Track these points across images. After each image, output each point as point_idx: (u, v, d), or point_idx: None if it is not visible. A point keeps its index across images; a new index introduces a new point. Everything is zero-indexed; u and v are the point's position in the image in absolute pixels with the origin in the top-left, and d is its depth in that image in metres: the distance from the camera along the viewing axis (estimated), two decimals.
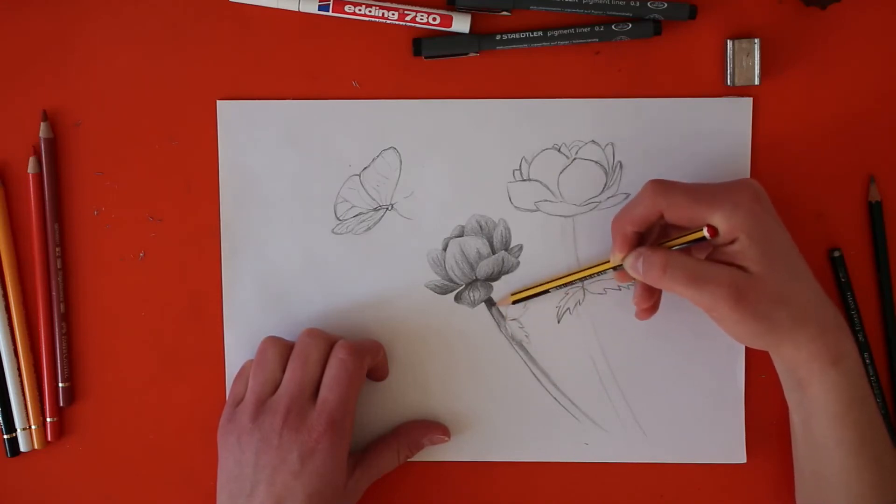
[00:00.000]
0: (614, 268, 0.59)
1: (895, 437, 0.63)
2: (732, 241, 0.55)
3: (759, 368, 0.63)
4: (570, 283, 0.62)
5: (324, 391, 0.58)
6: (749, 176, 0.62)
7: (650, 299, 0.60)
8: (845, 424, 0.56)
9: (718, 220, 0.55)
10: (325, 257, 0.63)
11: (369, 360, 0.60)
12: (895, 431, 0.64)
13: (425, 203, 0.63)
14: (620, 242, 0.58)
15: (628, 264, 0.58)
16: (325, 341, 0.60)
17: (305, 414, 0.58)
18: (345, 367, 0.58)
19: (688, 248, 0.58)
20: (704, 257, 0.58)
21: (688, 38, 0.62)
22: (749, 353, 0.63)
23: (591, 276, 0.61)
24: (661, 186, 0.56)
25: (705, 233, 0.55)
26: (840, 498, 0.56)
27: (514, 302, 0.62)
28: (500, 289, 0.63)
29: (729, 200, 0.55)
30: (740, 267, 0.55)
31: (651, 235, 0.59)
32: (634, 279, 0.59)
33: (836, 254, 0.63)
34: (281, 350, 0.60)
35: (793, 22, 0.62)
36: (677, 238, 0.57)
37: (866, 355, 0.63)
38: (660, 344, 0.63)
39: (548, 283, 0.62)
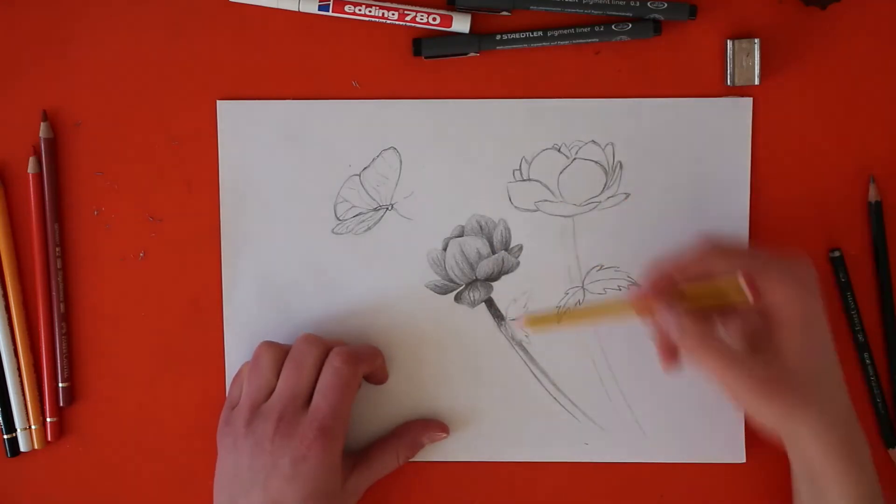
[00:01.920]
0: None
1: (895, 437, 0.63)
2: (777, 321, 0.54)
3: None
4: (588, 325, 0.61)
5: (317, 398, 0.58)
6: (749, 175, 0.62)
7: (676, 353, 0.58)
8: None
9: (775, 297, 0.53)
10: (325, 257, 0.63)
11: (365, 366, 0.60)
12: (895, 432, 0.64)
13: (425, 203, 0.63)
14: (659, 294, 0.56)
15: (661, 316, 0.55)
16: (321, 347, 0.60)
17: (298, 420, 0.58)
18: (339, 374, 0.59)
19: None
20: (730, 336, 0.56)
21: (688, 38, 0.62)
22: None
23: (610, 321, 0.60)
24: (722, 251, 0.55)
25: (750, 299, 0.53)
26: None
27: (533, 328, 0.62)
28: (501, 289, 0.63)
29: (792, 278, 0.54)
30: (772, 348, 0.54)
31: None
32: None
33: (836, 254, 0.63)
34: (276, 355, 0.60)
35: (793, 22, 0.62)
36: (713, 298, 0.55)
37: (866, 355, 0.63)
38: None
39: (568, 319, 0.62)
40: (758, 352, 0.55)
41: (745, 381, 0.53)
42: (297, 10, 0.61)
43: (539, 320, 0.62)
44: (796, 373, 0.54)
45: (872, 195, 0.63)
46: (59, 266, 0.63)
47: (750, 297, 0.54)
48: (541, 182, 0.63)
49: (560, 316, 0.62)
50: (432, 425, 0.63)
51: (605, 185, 0.63)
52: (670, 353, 0.57)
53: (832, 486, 0.54)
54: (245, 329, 0.63)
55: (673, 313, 0.55)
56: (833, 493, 0.54)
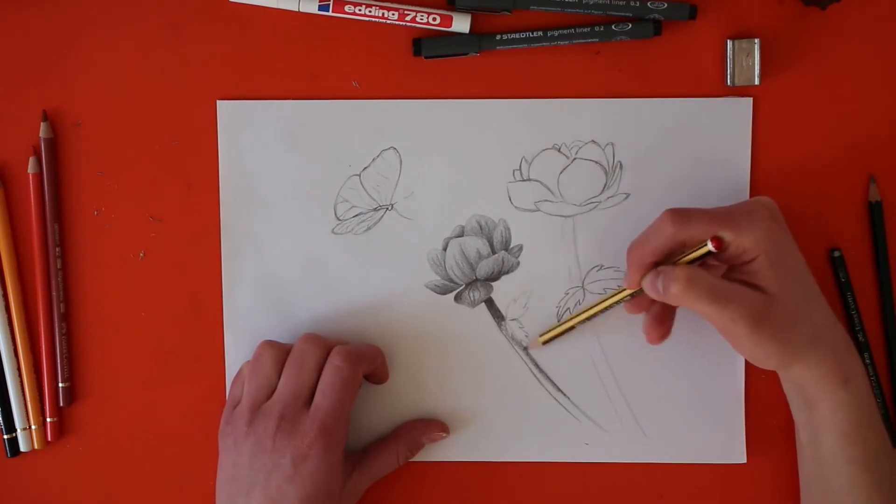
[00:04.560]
0: (632, 295, 0.59)
1: (895, 437, 0.63)
2: (751, 261, 0.56)
3: (759, 368, 0.63)
4: (593, 316, 0.61)
5: (318, 397, 0.58)
6: (749, 175, 0.62)
7: (662, 326, 0.60)
8: (854, 442, 0.56)
9: (738, 239, 0.55)
10: (326, 257, 0.63)
11: (366, 366, 0.60)
12: (895, 432, 0.64)
13: (425, 203, 0.63)
14: (638, 271, 0.58)
15: (647, 283, 0.57)
16: (322, 347, 0.60)
17: (299, 420, 0.58)
18: (340, 373, 0.59)
19: (704, 266, 0.58)
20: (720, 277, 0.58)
21: (688, 38, 0.62)
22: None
23: (610, 306, 0.61)
24: (679, 216, 0.56)
25: (710, 246, 0.55)
26: None
27: (545, 343, 0.62)
28: (501, 289, 0.63)
29: (747, 219, 0.55)
30: (757, 287, 0.55)
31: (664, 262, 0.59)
32: (642, 311, 0.60)
33: (836, 254, 0.63)
34: (277, 355, 0.60)
35: (793, 22, 0.62)
36: (683, 256, 0.57)
37: (866, 355, 0.63)
38: (660, 344, 0.63)
39: (572, 319, 0.62)
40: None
41: (737, 308, 0.55)
42: (297, 10, 0.61)
43: (547, 334, 0.62)
44: (779, 299, 0.55)
45: (873, 195, 0.63)
46: (59, 266, 0.63)
47: (711, 247, 0.55)
48: (541, 182, 0.63)
49: (563, 323, 0.62)
50: (432, 425, 0.63)
51: (605, 185, 0.63)
52: (659, 320, 0.59)
53: (825, 409, 0.56)
54: (245, 329, 0.63)
55: (653, 273, 0.57)
56: (826, 416, 0.56)
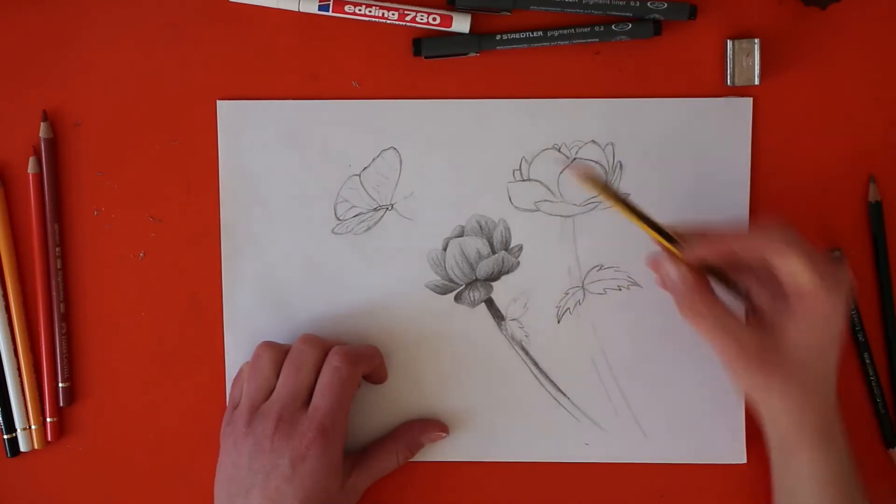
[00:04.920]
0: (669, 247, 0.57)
1: (895, 437, 0.63)
2: (799, 306, 0.55)
3: None
4: (641, 222, 0.57)
5: (316, 398, 0.58)
6: (749, 175, 0.62)
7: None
8: (832, 494, 0.56)
9: (809, 287, 0.54)
10: (325, 257, 0.63)
11: (364, 366, 0.60)
12: (895, 431, 0.64)
13: (425, 203, 0.63)
14: (711, 249, 0.56)
15: (671, 273, 0.57)
16: (321, 347, 0.60)
17: (297, 420, 0.58)
18: (338, 374, 0.59)
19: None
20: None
21: (688, 38, 0.62)
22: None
23: (659, 235, 0.57)
24: (793, 238, 0.55)
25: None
26: None
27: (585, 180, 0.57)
28: (501, 289, 0.63)
29: (832, 277, 0.54)
30: (776, 324, 0.55)
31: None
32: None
33: (837, 254, 0.63)
34: (275, 355, 0.60)
35: (793, 22, 0.62)
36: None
37: (866, 355, 0.63)
38: (660, 344, 0.63)
39: (623, 204, 0.57)
40: (759, 319, 0.57)
41: (735, 350, 0.55)
42: (297, 10, 0.61)
43: (591, 179, 0.57)
44: (788, 353, 0.55)
45: (872, 195, 0.63)
46: (59, 266, 0.63)
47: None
48: (541, 182, 0.63)
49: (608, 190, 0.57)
50: (432, 425, 0.63)
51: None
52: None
53: (802, 460, 0.56)
54: (245, 329, 0.63)
55: (676, 272, 0.57)
56: (803, 467, 0.56)
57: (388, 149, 0.63)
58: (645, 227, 0.57)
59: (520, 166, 0.63)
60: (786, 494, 0.58)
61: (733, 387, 0.58)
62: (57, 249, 0.63)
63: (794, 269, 0.54)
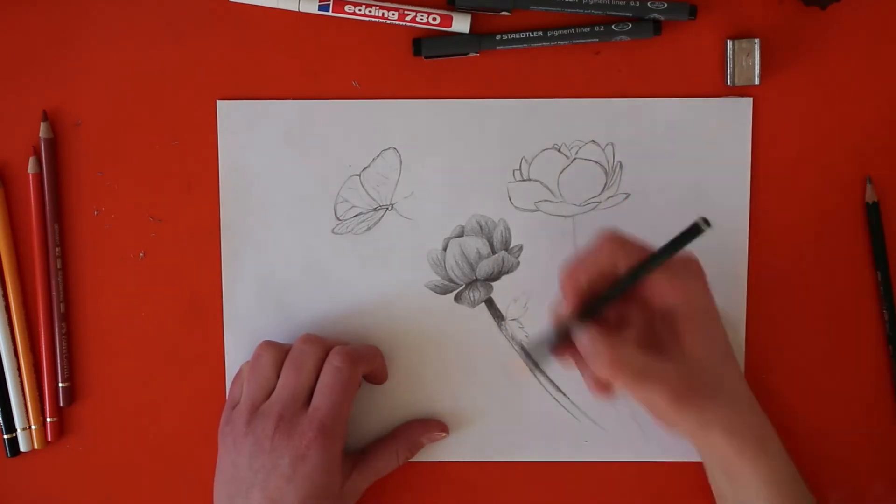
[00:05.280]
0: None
1: None
2: (672, 314, 0.54)
3: (758, 368, 0.64)
4: None
5: (317, 398, 0.58)
6: (749, 175, 0.62)
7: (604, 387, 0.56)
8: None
9: (672, 282, 0.54)
10: (325, 257, 0.63)
11: (365, 366, 0.60)
12: None
13: (425, 203, 0.63)
14: (572, 295, 0.55)
15: (581, 340, 0.54)
16: (321, 347, 0.60)
17: (297, 420, 0.58)
18: (339, 374, 0.59)
19: (625, 322, 0.56)
20: (634, 335, 0.55)
21: (688, 38, 0.62)
22: (749, 352, 0.63)
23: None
24: (618, 239, 0.55)
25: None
26: None
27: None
28: (501, 289, 0.63)
29: (684, 269, 0.54)
30: (675, 345, 0.54)
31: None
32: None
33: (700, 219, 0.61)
34: (276, 355, 0.60)
35: (793, 22, 0.62)
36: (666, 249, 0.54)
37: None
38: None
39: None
40: (664, 353, 0.55)
41: (659, 388, 0.53)
42: (297, 10, 0.61)
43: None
44: (699, 366, 0.54)
45: (869, 196, 0.63)
46: (59, 266, 0.63)
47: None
48: (541, 182, 0.63)
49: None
50: (432, 425, 0.63)
51: (605, 185, 0.63)
52: (597, 382, 0.56)
53: (749, 477, 0.55)
54: (245, 329, 0.63)
55: (589, 336, 0.54)
56: (751, 484, 0.55)
57: (388, 149, 0.63)
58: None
59: (520, 166, 0.63)
60: None
61: (673, 428, 0.55)
62: (57, 249, 0.63)
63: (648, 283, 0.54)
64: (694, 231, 0.52)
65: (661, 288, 0.54)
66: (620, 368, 0.53)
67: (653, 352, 0.54)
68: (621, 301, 0.55)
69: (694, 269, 0.55)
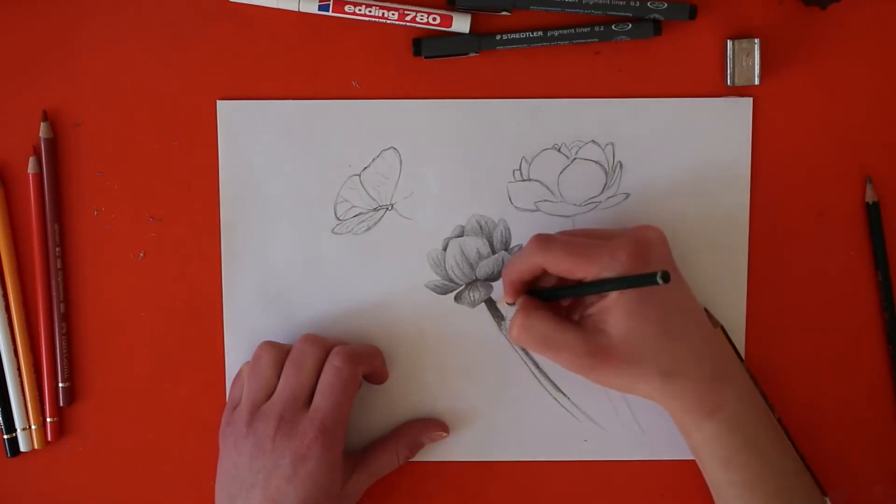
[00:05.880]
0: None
1: None
2: (604, 297, 0.56)
3: (758, 368, 0.64)
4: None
5: (317, 398, 0.58)
6: (749, 175, 0.62)
7: None
8: (733, 468, 0.57)
9: (593, 275, 0.55)
10: (325, 257, 0.63)
11: (365, 366, 0.60)
12: None
13: (425, 203, 0.63)
14: (509, 291, 0.59)
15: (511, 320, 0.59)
16: (322, 347, 0.60)
17: (298, 420, 0.58)
18: (339, 374, 0.59)
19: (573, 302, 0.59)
20: (578, 315, 0.58)
21: (688, 38, 0.62)
22: (749, 351, 0.63)
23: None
24: (541, 242, 0.57)
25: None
26: None
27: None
28: (500, 289, 0.63)
29: (608, 256, 0.55)
30: (603, 324, 0.56)
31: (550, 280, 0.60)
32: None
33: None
34: (276, 355, 0.60)
35: (793, 22, 0.62)
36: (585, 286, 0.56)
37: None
38: None
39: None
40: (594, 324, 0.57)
41: (567, 356, 0.56)
42: (297, 10, 0.61)
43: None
44: (622, 341, 0.55)
45: (869, 196, 0.63)
46: (59, 266, 0.63)
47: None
48: (541, 182, 0.63)
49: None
50: (432, 425, 0.63)
51: (605, 185, 0.63)
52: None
53: (690, 431, 0.58)
54: (245, 329, 0.63)
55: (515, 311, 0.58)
56: (693, 436, 0.58)
57: (388, 149, 0.63)
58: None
59: (520, 166, 0.63)
60: (700, 467, 0.60)
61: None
62: (57, 249, 0.63)
63: (569, 268, 0.56)
64: (649, 280, 0.50)
65: (585, 274, 0.56)
66: (528, 335, 0.57)
67: (585, 321, 0.57)
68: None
69: (631, 248, 0.55)
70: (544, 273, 0.58)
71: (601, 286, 0.55)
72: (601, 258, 0.55)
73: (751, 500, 0.57)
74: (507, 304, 0.61)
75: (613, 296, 0.55)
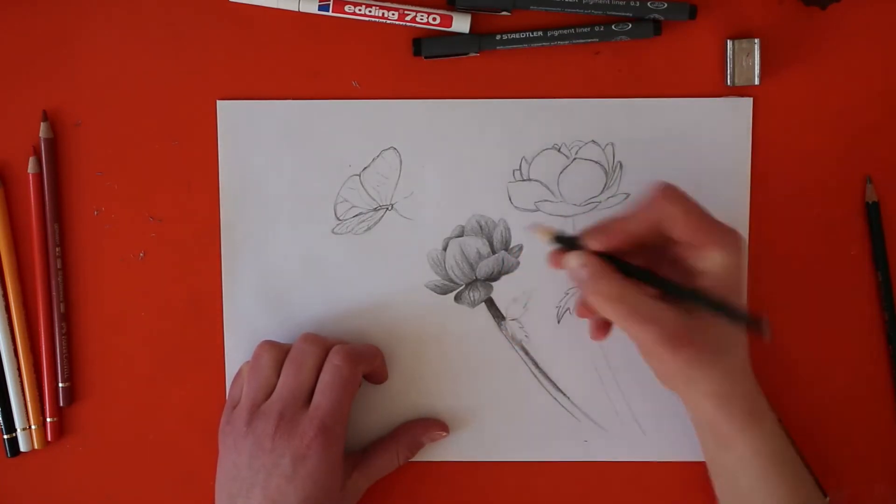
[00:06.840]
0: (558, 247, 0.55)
1: None
2: (700, 272, 0.54)
3: (757, 368, 0.63)
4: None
5: (317, 397, 0.58)
6: (749, 175, 0.62)
7: (602, 330, 0.60)
8: (773, 482, 0.56)
9: (714, 258, 0.54)
10: (325, 257, 0.63)
11: (365, 365, 0.60)
12: None
13: (425, 203, 0.63)
14: (606, 241, 0.54)
15: (569, 268, 0.55)
16: (321, 347, 0.60)
17: (298, 420, 0.58)
18: (339, 373, 0.59)
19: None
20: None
21: (688, 38, 0.62)
22: (749, 351, 0.63)
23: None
24: (671, 193, 0.54)
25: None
26: None
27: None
28: (501, 289, 0.63)
29: (731, 243, 0.54)
30: (692, 312, 0.54)
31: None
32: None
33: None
34: (276, 355, 0.60)
35: (793, 22, 0.62)
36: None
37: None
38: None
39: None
40: (673, 302, 0.54)
41: (650, 328, 0.53)
42: (297, 10, 0.61)
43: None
44: (711, 325, 0.54)
45: (869, 196, 0.63)
46: (59, 266, 0.63)
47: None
48: (541, 182, 0.63)
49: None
50: (432, 425, 0.63)
51: (605, 185, 0.63)
52: (599, 326, 0.59)
53: (740, 446, 0.56)
54: (245, 329, 0.63)
55: (578, 259, 0.54)
56: (743, 454, 0.56)
57: (388, 149, 0.63)
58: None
59: (520, 166, 0.63)
60: (725, 476, 0.58)
61: (668, 379, 0.56)
62: (57, 249, 0.63)
63: (688, 232, 0.53)
64: (750, 321, 0.53)
65: (697, 251, 0.54)
66: (617, 303, 0.53)
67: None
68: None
69: (736, 244, 0.54)
70: (645, 238, 0.54)
71: (703, 300, 0.53)
72: (726, 243, 0.53)
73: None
74: (586, 259, 0.54)
75: (713, 282, 0.53)
